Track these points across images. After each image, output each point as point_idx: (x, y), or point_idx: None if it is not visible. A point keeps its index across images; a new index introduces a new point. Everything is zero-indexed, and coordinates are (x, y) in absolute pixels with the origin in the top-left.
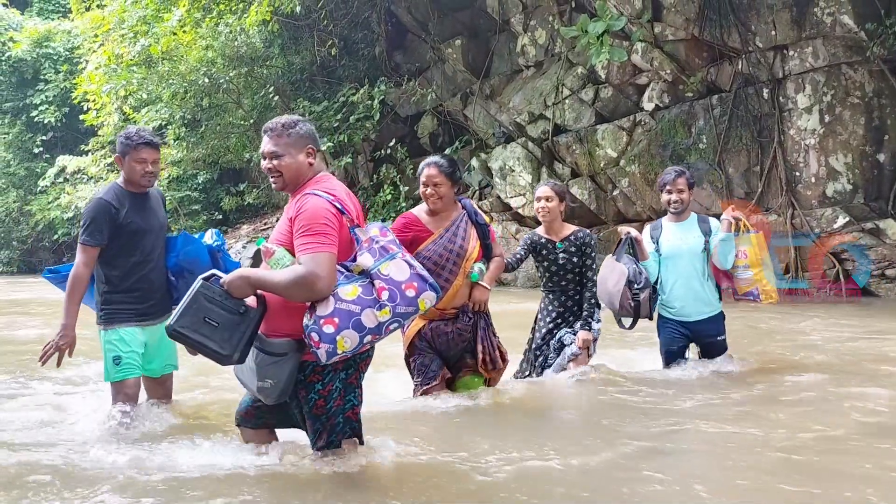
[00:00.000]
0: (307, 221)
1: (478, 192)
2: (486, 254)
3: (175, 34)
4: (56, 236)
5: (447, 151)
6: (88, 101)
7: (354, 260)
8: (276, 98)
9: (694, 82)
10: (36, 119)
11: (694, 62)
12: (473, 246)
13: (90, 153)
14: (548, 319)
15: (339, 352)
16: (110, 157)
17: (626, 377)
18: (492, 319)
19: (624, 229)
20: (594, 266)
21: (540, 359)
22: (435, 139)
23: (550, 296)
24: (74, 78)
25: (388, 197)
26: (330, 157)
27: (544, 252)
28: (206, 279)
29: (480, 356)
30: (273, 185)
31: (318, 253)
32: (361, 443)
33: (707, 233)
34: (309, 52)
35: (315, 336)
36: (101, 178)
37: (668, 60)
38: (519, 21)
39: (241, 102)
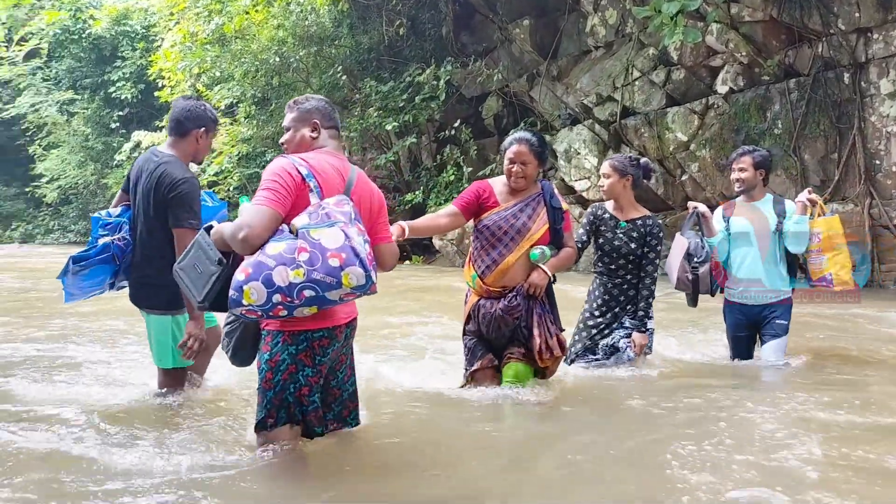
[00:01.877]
0: (263, 178)
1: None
2: (555, 239)
3: (248, 13)
4: None
5: (511, 133)
6: (163, 77)
7: None
8: (344, 77)
9: (771, 65)
10: (113, 95)
11: (771, 44)
12: (539, 227)
13: (163, 129)
14: (593, 306)
15: (244, 302)
16: None
17: (688, 368)
18: (555, 308)
19: (693, 204)
20: (656, 260)
21: (577, 346)
22: (499, 120)
23: (598, 279)
24: (150, 55)
25: (451, 178)
26: (394, 137)
27: (603, 228)
28: (206, 229)
29: (537, 341)
30: None
31: (258, 206)
32: (310, 436)
33: (781, 214)
34: (377, 32)
35: (233, 282)
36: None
37: (745, 42)
38: (589, 1)
39: (309, 82)
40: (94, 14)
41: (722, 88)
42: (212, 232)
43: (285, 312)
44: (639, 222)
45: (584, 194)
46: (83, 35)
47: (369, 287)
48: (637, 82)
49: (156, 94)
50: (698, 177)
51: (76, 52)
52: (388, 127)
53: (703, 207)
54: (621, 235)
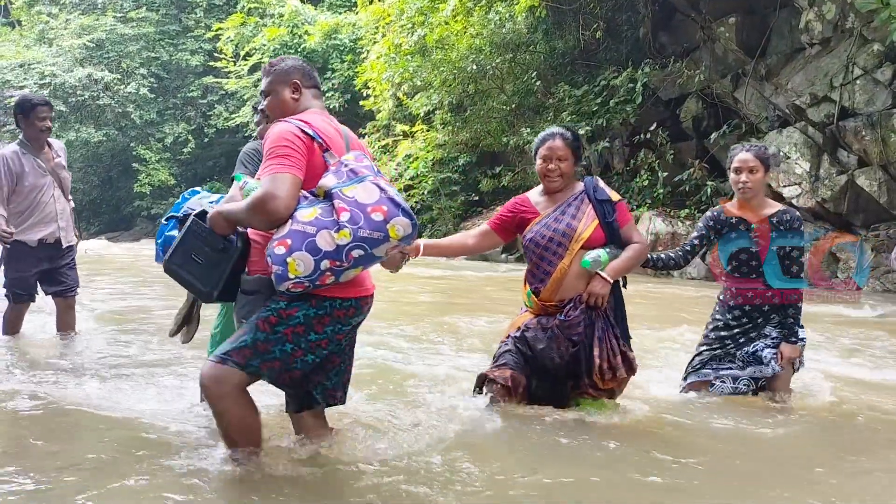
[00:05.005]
0: (269, 145)
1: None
2: (611, 237)
3: (447, 23)
4: None
5: (713, 136)
6: (368, 87)
7: None
8: (538, 83)
9: None
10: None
11: None
12: (586, 225)
13: (366, 136)
14: (728, 316)
15: (290, 276)
16: (384, 139)
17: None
18: (623, 320)
19: None
20: (801, 258)
21: (699, 357)
22: (699, 123)
23: (734, 288)
24: (357, 67)
25: (645, 183)
26: (586, 142)
27: (733, 235)
28: (198, 216)
29: (597, 361)
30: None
31: (276, 173)
32: (299, 409)
33: None
34: (572, 37)
35: (268, 259)
36: (375, 158)
37: None
38: None
39: (503, 88)
40: (308, 30)
41: None
42: (212, 215)
43: (333, 279)
44: (774, 219)
45: (794, 201)
46: (298, 49)
47: (415, 235)
48: (858, 81)
49: (360, 103)
50: None
51: None
52: (581, 131)
53: None
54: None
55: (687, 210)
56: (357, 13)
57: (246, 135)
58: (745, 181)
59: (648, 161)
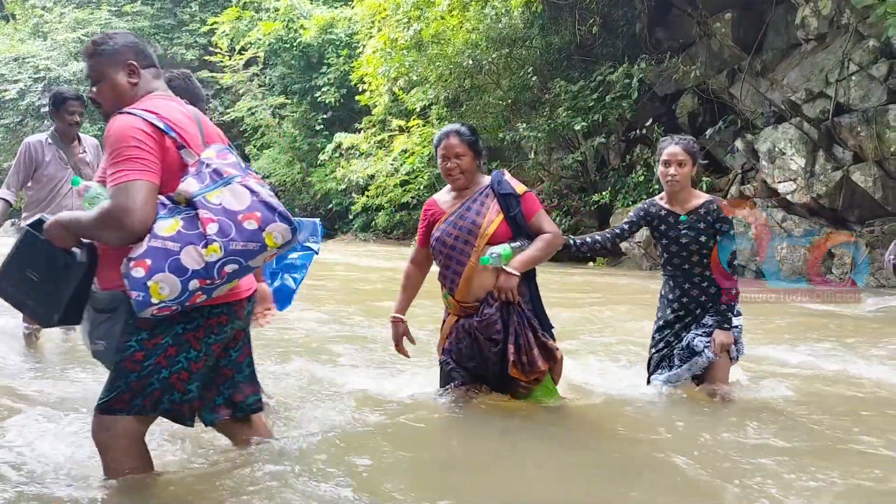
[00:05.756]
0: (113, 146)
1: (740, 176)
2: (516, 229)
3: (443, 18)
4: (330, 205)
5: (709, 131)
6: (364, 82)
7: None
8: (534, 78)
9: None
10: (318, 99)
11: None
12: (490, 220)
13: (361, 131)
14: (668, 311)
15: (153, 301)
16: (380, 134)
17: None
18: (539, 310)
19: None
20: (731, 247)
21: (654, 359)
22: (694, 119)
23: (671, 282)
24: (352, 62)
25: (641, 179)
26: (581, 138)
27: (663, 227)
28: (31, 226)
29: (511, 358)
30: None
31: (128, 182)
32: (189, 424)
33: None
34: (568, 32)
35: (126, 282)
36: (371, 153)
37: None
38: None
39: (499, 83)
40: (304, 24)
41: None
42: (50, 224)
43: (204, 297)
44: (701, 210)
45: (789, 197)
46: (294, 44)
47: (296, 239)
48: (854, 77)
49: (356, 98)
50: None
51: (287, 59)
52: (577, 127)
53: None
54: (685, 231)
55: None
56: (353, 7)
57: (241, 129)
58: (673, 174)
59: (644, 157)
